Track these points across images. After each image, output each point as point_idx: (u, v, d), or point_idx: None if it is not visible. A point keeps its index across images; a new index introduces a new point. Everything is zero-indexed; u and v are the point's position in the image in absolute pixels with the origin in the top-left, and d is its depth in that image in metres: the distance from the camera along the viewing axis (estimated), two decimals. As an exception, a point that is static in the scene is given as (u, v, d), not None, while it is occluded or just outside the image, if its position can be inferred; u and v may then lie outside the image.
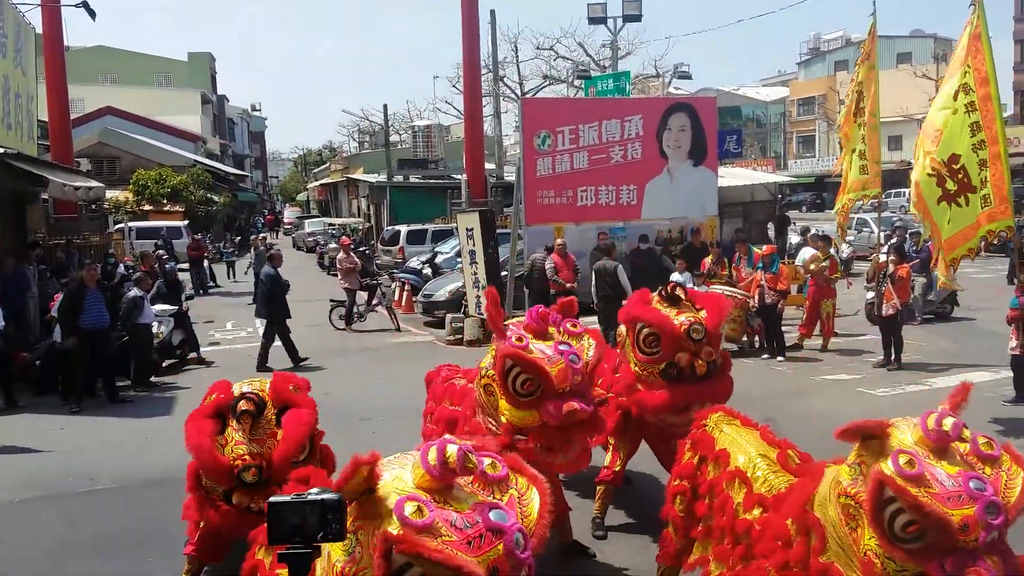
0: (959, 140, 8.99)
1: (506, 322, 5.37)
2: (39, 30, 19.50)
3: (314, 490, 2.23)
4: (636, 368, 5.93)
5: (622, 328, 6.17)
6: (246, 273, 22.40)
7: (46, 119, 20.32)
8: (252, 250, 22.60)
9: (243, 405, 4.74)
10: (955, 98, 9.04)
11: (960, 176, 8.98)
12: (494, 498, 2.89)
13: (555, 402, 4.84)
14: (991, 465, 3.22)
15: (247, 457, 4.62)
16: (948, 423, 3.22)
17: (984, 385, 10.12)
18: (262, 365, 12.43)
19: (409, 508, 2.68)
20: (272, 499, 2.20)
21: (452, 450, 2.80)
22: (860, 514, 3.30)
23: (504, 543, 2.72)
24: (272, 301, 13.03)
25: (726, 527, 4.23)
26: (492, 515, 2.78)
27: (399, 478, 2.84)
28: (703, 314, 5.79)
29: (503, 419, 5.04)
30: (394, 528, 2.64)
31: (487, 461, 2.99)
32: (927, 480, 3.11)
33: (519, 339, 4.98)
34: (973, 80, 8.98)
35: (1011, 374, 9.63)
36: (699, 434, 4.66)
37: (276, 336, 12.97)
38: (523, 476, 3.07)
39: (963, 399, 3.43)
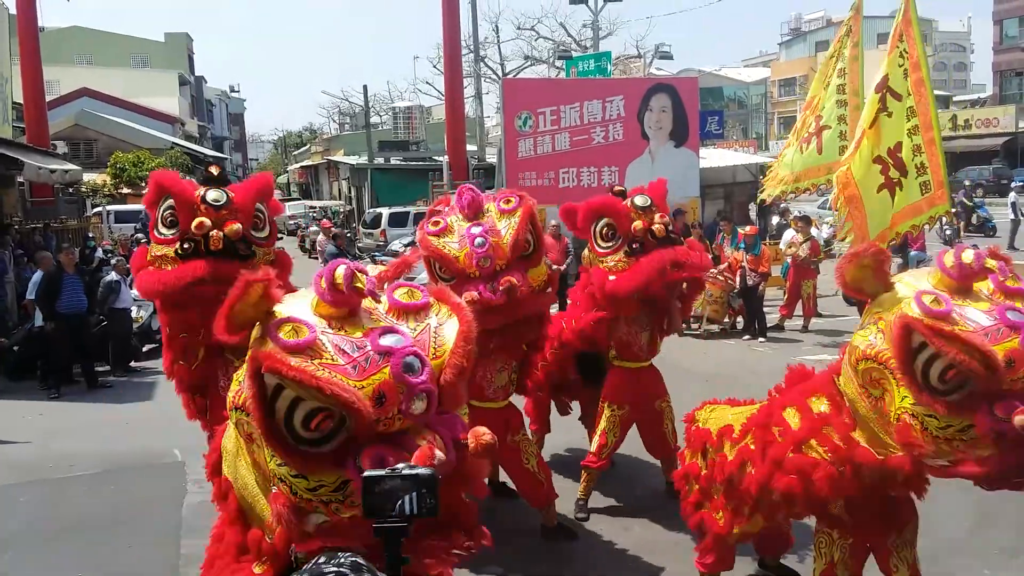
0: (900, 127, 9.02)
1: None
2: (12, 11, 19.18)
3: (401, 465, 2.21)
4: (604, 264, 5.71)
5: (585, 251, 6.02)
6: None
7: (21, 101, 20.03)
8: None
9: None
10: (888, 87, 9.01)
11: (894, 162, 9.01)
12: (408, 326, 2.67)
13: (467, 286, 4.78)
14: (1021, 299, 2.91)
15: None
16: (969, 255, 2.90)
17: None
18: None
19: (286, 328, 2.54)
20: (366, 473, 2.17)
21: (341, 271, 2.61)
22: (885, 375, 2.96)
23: (391, 367, 2.49)
24: None
25: (717, 478, 4.16)
26: (383, 339, 2.56)
27: (298, 303, 2.70)
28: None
29: None
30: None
31: (402, 290, 2.78)
32: (957, 319, 2.79)
33: (435, 223, 4.97)
34: (909, 65, 9.03)
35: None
36: (693, 432, 4.59)
37: None
38: (446, 305, 2.79)
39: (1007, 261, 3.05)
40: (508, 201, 5.07)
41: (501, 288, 4.74)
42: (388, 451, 2.46)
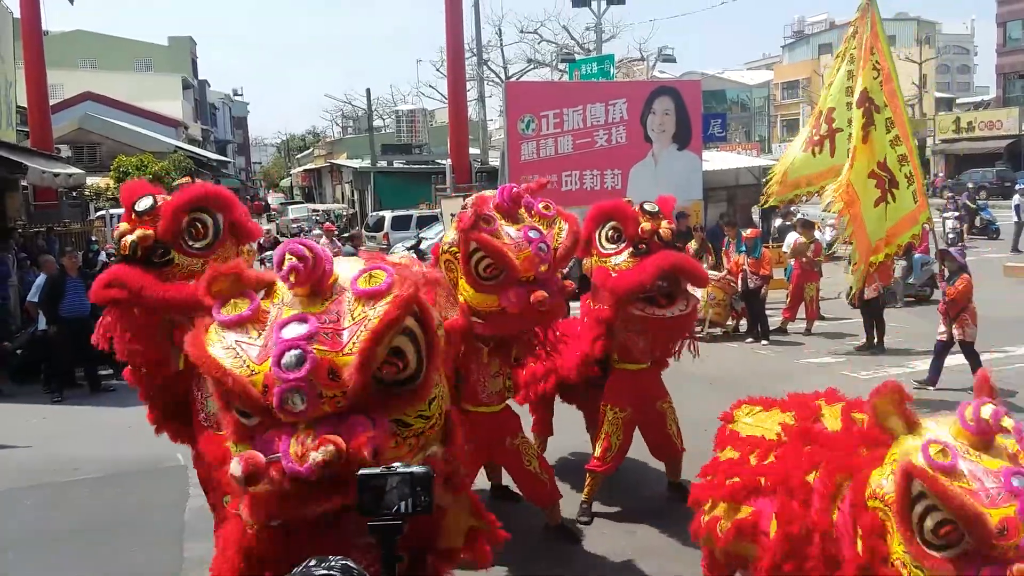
0: (883, 139, 9.05)
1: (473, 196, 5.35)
2: (16, 14, 19.23)
3: (397, 464, 2.22)
4: (608, 264, 5.75)
5: (587, 262, 6.08)
6: None
7: (25, 105, 20.08)
8: None
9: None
10: (866, 97, 9.03)
11: (887, 174, 9.05)
12: (356, 313, 2.57)
13: (517, 290, 4.74)
14: None
15: None
16: (987, 411, 2.88)
17: (964, 367, 10.20)
18: None
19: (229, 304, 2.61)
20: (361, 472, 2.19)
21: (286, 250, 2.71)
22: (890, 518, 2.95)
23: (272, 358, 2.43)
24: None
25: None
26: (287, 327, 2.49)
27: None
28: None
29: (461, 299, 4.94)
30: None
31: (364, 275, 2.69)
32: (962, 474, 2.78)
33: (487, 222, 4.88)
34: (882, 76, 9.06)
35: (990, 355, 9.71)
36: (728, 434, 4.39)
37: None
38: (396, 291, 2.62)
39: (987, 390, 3.05)
40: (547, 207, 5.14)
41: (562, 290, 4.94)
42: (265, 443, 2.45)
